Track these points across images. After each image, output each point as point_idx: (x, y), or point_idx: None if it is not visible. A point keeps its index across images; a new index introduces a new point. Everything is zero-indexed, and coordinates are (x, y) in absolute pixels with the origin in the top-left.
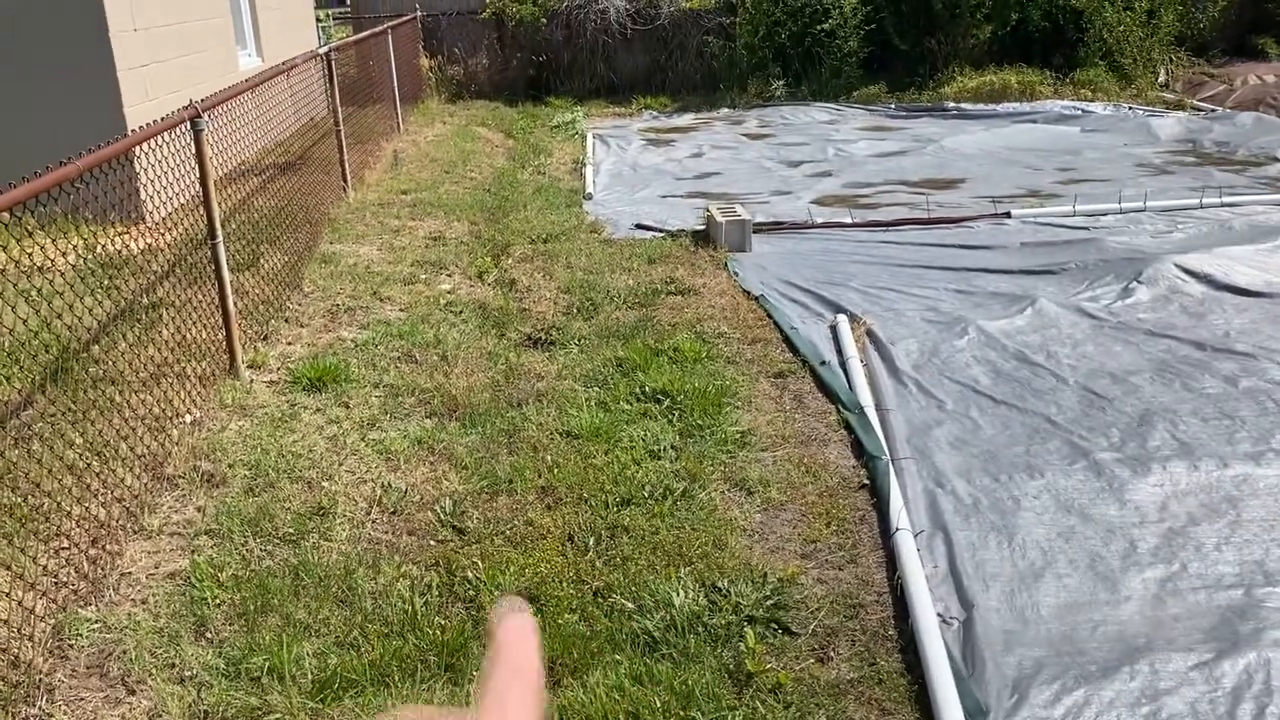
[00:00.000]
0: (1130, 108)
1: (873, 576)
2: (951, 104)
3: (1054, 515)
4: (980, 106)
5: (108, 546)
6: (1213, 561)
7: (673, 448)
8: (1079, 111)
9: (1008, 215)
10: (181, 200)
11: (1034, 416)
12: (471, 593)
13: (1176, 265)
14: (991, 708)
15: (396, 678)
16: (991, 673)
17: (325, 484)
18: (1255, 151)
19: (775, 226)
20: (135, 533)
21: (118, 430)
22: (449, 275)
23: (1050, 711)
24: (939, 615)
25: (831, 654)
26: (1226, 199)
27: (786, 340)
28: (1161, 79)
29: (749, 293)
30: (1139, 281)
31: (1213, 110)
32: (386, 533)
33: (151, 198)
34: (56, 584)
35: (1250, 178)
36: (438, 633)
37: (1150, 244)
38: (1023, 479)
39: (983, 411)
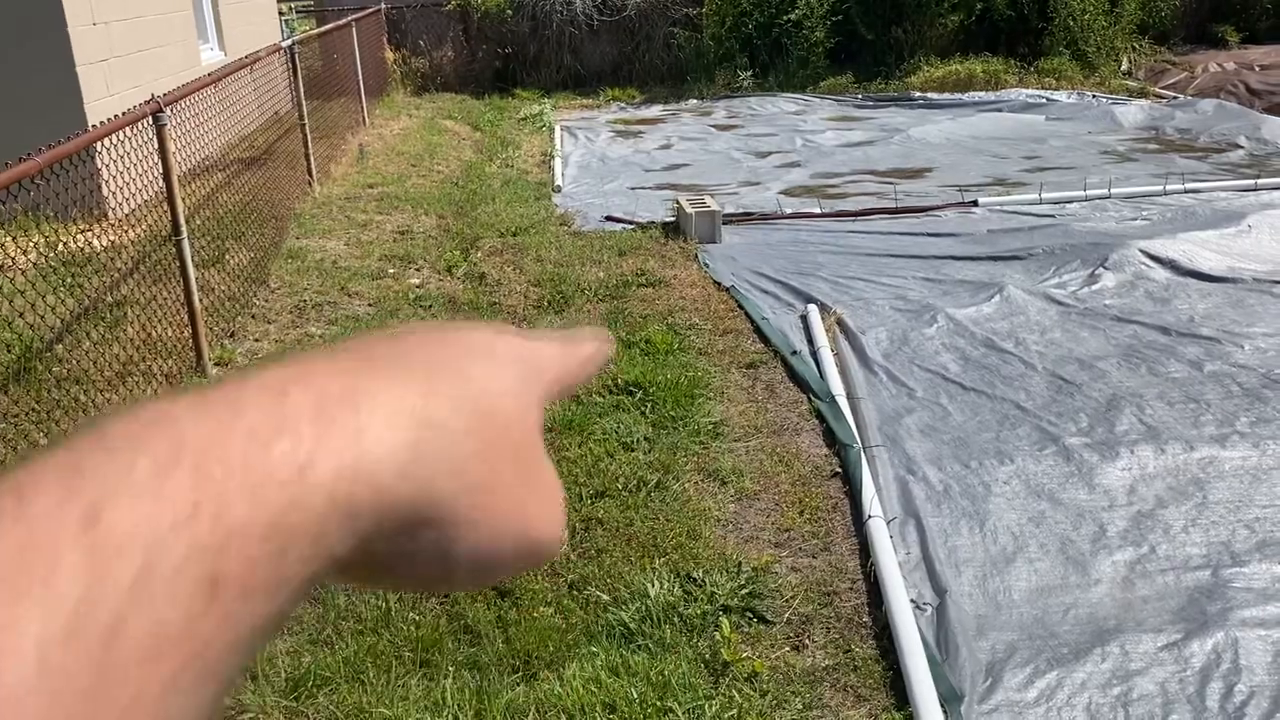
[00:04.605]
0: (1094, 96)
1: (846, 564)
2: (918, 94)
3: (1024, 500)
4: (946, 96)
5: None
6: (1180, 543)
7: (646, 439)
8: (1044, 100)
9: (975, 204)
10: (145, 196)
11: (1003, 403)
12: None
13: (1141, 251)
14: (966, 692)
15: (371, 674)
16: (965, 657)
17: None
18: (1217, 138)
19: (745, 218)
20: None
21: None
22: (417, 269)
23: (1024, 694)
24: (912, 601)
25: (806, 642)
26: (1189, 185)
27: (758, 331)
28: (1124, 67)
29: (719, 284)
30: (1105, 267)
31: (1175, 98)
32: None
33: (114, 194)
34: None
35: (1212, 164)
36: (412, 629)
37: (1115, 230)
38: (993, 465)
39: (952, 399)
